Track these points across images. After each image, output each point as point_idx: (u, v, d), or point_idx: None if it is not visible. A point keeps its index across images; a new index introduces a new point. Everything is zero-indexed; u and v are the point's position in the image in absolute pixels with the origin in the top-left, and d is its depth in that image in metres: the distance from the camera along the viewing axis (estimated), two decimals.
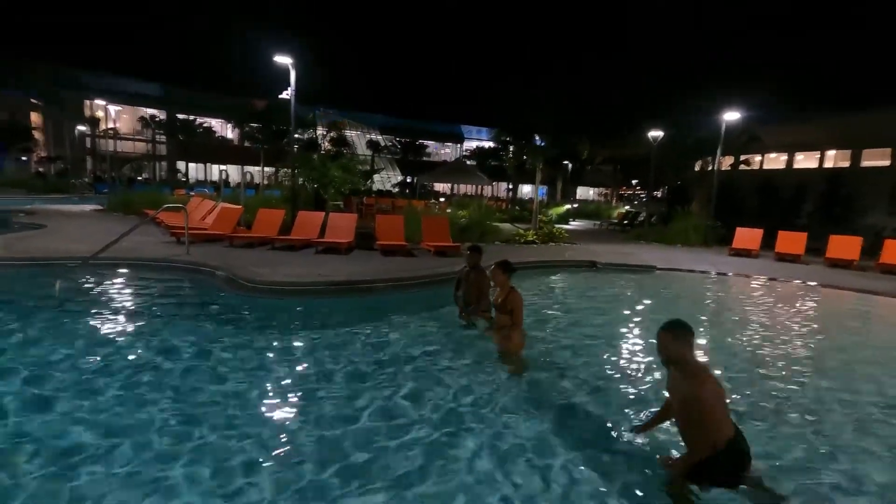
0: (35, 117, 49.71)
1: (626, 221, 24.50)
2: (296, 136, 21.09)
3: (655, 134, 20.99)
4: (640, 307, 7.91)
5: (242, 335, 5.17)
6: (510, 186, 40.14)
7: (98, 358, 4.36)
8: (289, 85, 13.09)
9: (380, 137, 52.96)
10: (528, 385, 4.31)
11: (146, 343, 4.81)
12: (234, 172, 49.32)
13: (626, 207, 34.88)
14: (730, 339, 6.19)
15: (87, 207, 18.68)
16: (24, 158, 49.03)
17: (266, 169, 33.42)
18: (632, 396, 4.24)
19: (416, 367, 4.55)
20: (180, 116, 47.52)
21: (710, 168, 22.85)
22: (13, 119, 42.99)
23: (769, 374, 4.93)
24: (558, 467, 3.04)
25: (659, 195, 33.77)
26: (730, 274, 10.97)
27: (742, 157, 27.09)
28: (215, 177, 47.77)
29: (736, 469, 2.67)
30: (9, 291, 6.47)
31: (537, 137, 22.14)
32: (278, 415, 3.60)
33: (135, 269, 7.95)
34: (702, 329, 6.63)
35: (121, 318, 5.68)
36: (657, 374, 4.57)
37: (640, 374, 4.74)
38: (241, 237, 10.78)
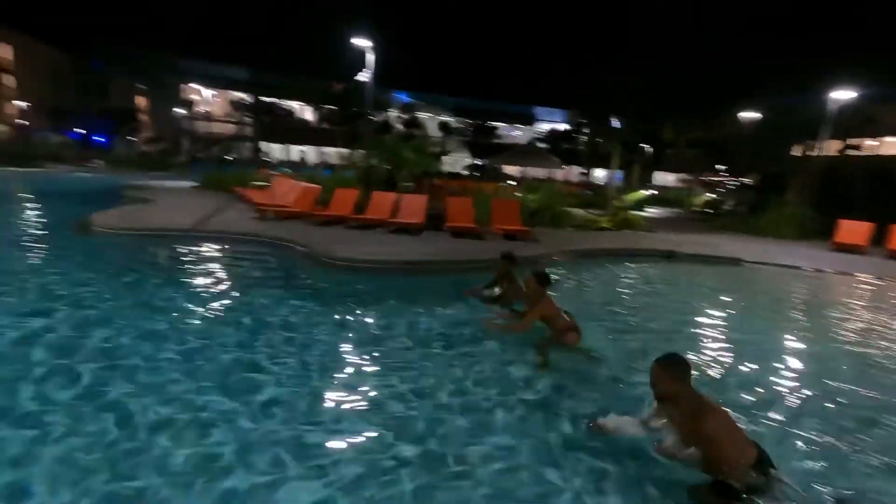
0: (141, 102, 54.84)
1: (709, 209, 22.91)
2: (370, 118, 21.66)
3: (749, 115, 19.27)
4: (721, 303, 7.35)
5: (318, 305, 5.51)
6: (584, 170, 38.80)
7: (195, 319, 4.85)
8: (365, 67, 13.43)
9: (451, 119, 53.04)
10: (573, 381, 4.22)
11: (235, 306, 5.28)
12: (311, 153, 51.67)
13: (710, 194, 32.56)
14: (825, 345, 5.66)
15: (185, 184, 20.44)
16: (131, 139, 54.44)
17: (342, 150, 34.67)
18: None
19: (486, 349, 4.61)
20: (265, 99, 50.32)
21: (813, 153, 20.67)
22: (124, 103, 47.55)
23: (876, 383, 4.48)
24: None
25: (748, 182, 31.17)
26: (829, 271, 9.97)
27: (852, 142, 24.23)
28: (295, 157, 50.29)
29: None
30: (125, 257, 7.32)
31: (615, 120, 21.15)
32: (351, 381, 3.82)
33: (227, 241, 8.64)
34: (795, 331, 6.13)
35: (216, 284, 6.26)
36: (733, 380, 4.31)
37: (717, 380, 4.47)
38: (319, 215, 11.34)
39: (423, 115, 48.75)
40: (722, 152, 34.45)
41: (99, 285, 5.74)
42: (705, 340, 5.55)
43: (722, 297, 7.68)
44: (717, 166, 47.28)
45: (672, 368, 2.62)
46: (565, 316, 4.67)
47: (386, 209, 11.42)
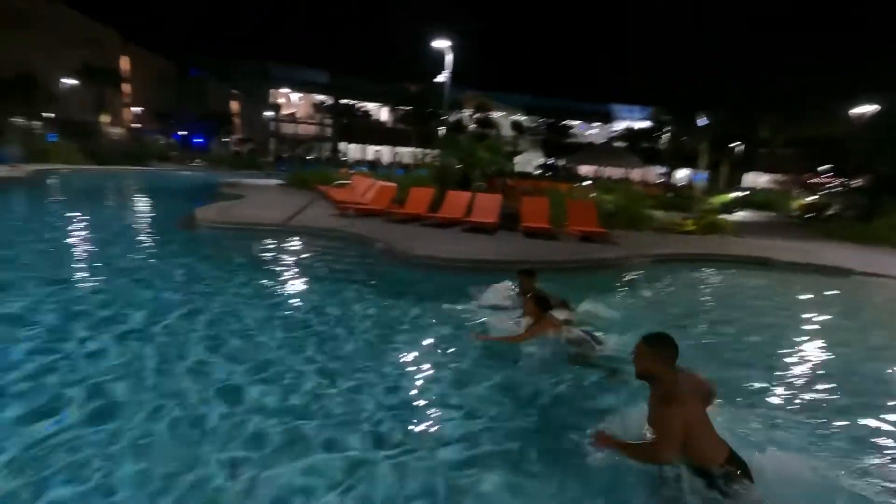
0: (234, 106, 59.39)
1: (811, 214, 20.83)
2: (445, 117, 21.95)
3: (864, 109, 17.28)
4: (823, 320, 6.50)
5: (394, 299, 5.68)
6: (665, 170, 36.78)
7: (284, 305, 5.19)
8: (444, 68, 13.63)
9: (524, 118, 52.44)
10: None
11: (318, 296, 5.59)
12: (386, 153, 53.26)
13: (813, 197, 29.55)
14: None
15: (272, 182, 21.88)
16: (225, 140, 59.15)
17: (416, 150, 35.45)
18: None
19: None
20: (343, 101, 52.65)
21: None
22: (220, 108, 51.74)
23: None
24: None
25: (857, 184, 27.94)
26: None
27: None
28: (370, 157, 52.11)
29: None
30: (222, 248, 8.00)
31: (702, 117, 19.80)
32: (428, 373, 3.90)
33: (311, 236, 9.16)
34: None
35: (302, 275, 6.67)
36: (839, 421, 3.63)
37: (815, 412, 4.00)
38: (395, 213, 11.68)
39: (496, 115, 48.63)
40: (827, 151, 31.13)
41: (204, 272, 6.31)
42: (803, 362, 5.02)
43: (826, 312, 6.89)
44: (819, 167, 42.86)
45: (656, 347, 2.55)
46: (578, 332, 4.41)
47: (460, 208, 11.52)
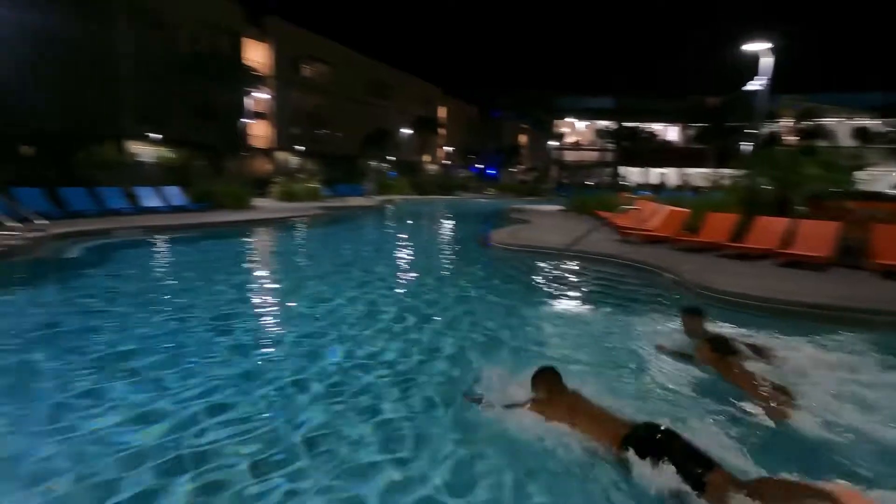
0: (522, 139, 65.23)
1: None
2: (753, 131, 18.71)
3: None
4: None
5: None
6: None
7: (568, 322, 5.26)
8: (757, 75, 11.67)
9: (871, 122, 40.04)
10: None
11: (601, 321, 5.45)
12: (672, 175, 49.02)
13: None
14: None
15: (553, 208, 22.95)
16: (512, 170, 65.43)
17: (711, 170, 31.41)
18: None
19: None
20: (626, 125, 51.21)
21: None
22: (510, 141, 57.69)
23: None
24: None
25: None
26: None
27: None
28: (653, 180, 48.89)
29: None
30: (513, 266, 8.78)
31: None
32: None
33: (593, 261, 9.13)
34: None
35: (581, 298, 6.67)
36: None
37: None
38: (686, 240, 10.53)
39: (829, 121, 38.69)
40: None
41: (495, 286, 7.06)
42: None
43: None
44: None
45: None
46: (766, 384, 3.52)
47: (773, 237, 9.52)
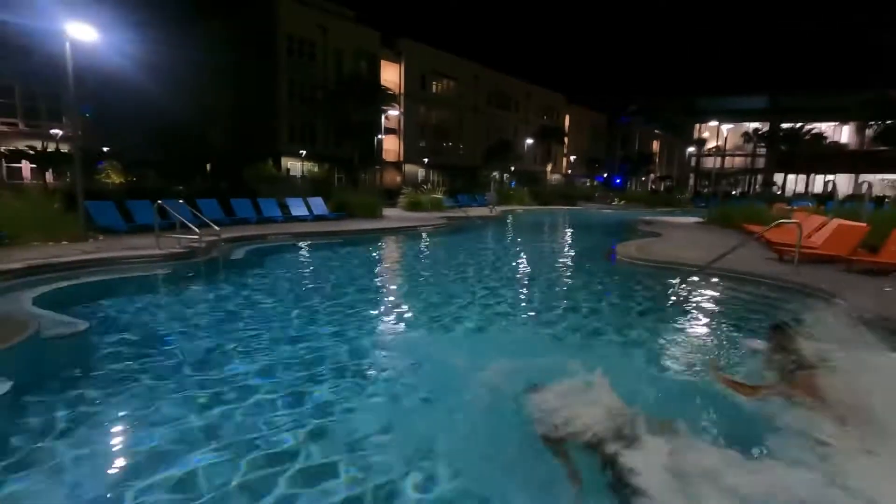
0: (655, 145, 60.77)
1: None
2: None
3: None
4: None
5: None
6: None
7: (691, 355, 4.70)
8: None
9: None
10: None
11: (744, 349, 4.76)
12: (843, 183, 41.82)
13: None
14: None
15: (689, 220, 20.94)
16: (643, 179, 61.24)
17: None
18: None
19: None
20: (784, 126, 44.86)
21: None
22: (642, 149, 54.17)
23: None
24: None
25: None
26: None
27: None
28: (817, 188, 42.13)
29: None
30: (642, 283, 8.16)
31: None
32: None
33: (738, 281, 8.09)
34: None
35: (725, 325, 5.92)
36: None
37: None
38: (861, 261, 8.84)
39: None
40: None
41: (617, 305, 6.61)
42: None
43: None
44: None
45: None
46: None
47: None
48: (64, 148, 25.96)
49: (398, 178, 42.97)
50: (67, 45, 9.91)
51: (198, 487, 2.66)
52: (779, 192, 42.23)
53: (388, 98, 35.55)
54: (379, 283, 8.76)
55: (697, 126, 53.63)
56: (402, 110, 42.11)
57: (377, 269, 10.49)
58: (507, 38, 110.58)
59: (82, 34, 9.95)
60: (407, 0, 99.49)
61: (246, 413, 3.48)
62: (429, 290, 7.62)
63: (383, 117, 36.98)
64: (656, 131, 62.37)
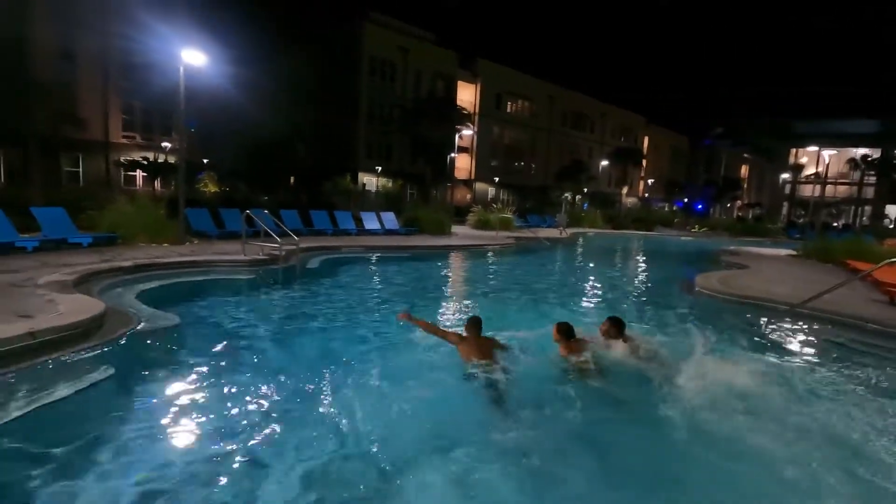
0: (743, 170, 56.75)
1: None
2: None
3: None
4: None
5: None
6: None
7: (807, 409, 4.22)
8: None
9: None
10: None
11: (860, 412, 4.21)
12: None
13: None
14: None
15: (780, 251, 19.20)
16: (728, 205, 57.24)
17: None
18: None
19: None
20: None
21: None
22: (729, 173, 50.84)
23: None
24: None
25: None
26: None
27: None
28: None
29: None
30: (725, 321, 7.55)
31: None
32: None
33: (840, 325, 7.27)
34: None
35: (826, 377, 5.30)
36: None
37: None
38: None
39: None
40: None
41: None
42: None
43: None
44: None
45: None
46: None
47: None
48: (171, 159, 28.87)
49: (468, 196, 43.37)
50: (181, 68, 11.09)
51: (276, 450, 3.18)
52: (892, 227, 37.67)
53: (462, 118, 36.22)
54: (440, 299, 8.82)
55: (794, 151, 49.39)
56: (475, 129, 42.66)
57: (441, 286, 10.59)
58: (587, 58, 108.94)
59: (194, 59, 11.11)
60: (487, 21, 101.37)
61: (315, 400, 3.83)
62: (488, 312, 7.56)
63: (457, 136, 37.65)
64: (745, 155, 58.22)
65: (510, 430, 3.52)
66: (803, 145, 45.07)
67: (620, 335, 5.07)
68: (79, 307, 5.10)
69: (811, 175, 46.26)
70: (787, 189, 49.71)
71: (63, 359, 4.21)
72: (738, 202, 56.50)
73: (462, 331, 4.88)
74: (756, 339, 6.76)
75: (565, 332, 4.92)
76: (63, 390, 3.68)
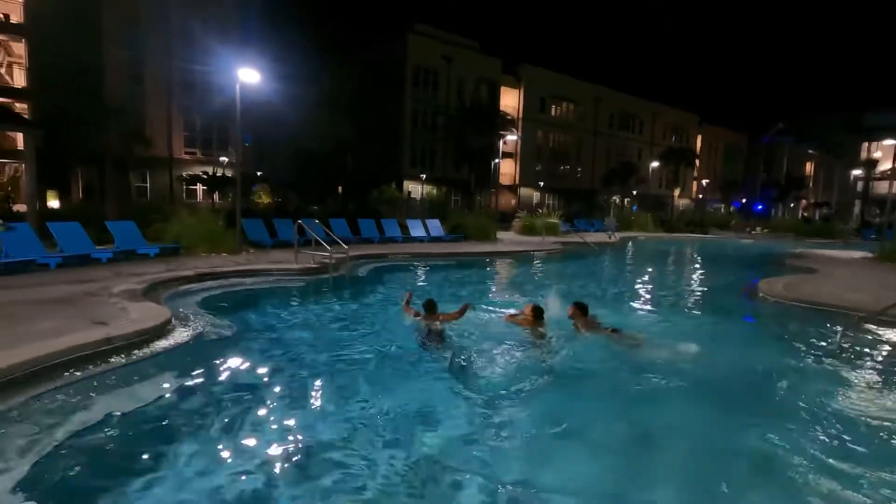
0: (808, 168, 53.17)
1: None
2: None
3: None
4: None
5: None
6: None
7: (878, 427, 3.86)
8: None
9: None
10: None
11: None
12: None
13: None
14: None
15: (854, 254, 17.80)
16: (792, 205, 53.78)
17: None
18: None
19: None
20: None
21: None
22: (792, 171, 47.77)
23: None
24: None
25: None
26: None
27: None
28: None
29: None
30: (784, 329, 7.07)
31: None
32: None
33: None
34: None
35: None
36: None
37: None
38: None
39: None
40: None
41: (764, 357, 5.78)
42: None
43: None
44: None
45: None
46: None
47: None
48: (228, 172, 30.44)
49: (513, 202, 43.02)
50: (237, 86, 11.69)
51: (324, 444, 3.37)
52: None
53: (506, 123, 36.06)
54: (490, 304, 8.74)
55: (866, 145, 45.77)
56: (519, 134, 42.39)
57: (487, 292, 10.51)
58: (636, 58, 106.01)
59: (249, 77, 11.68)
60: (531, 26, 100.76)
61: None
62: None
63: (501, 142, 37.56)
64: (810, 151, 54.56)
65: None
66: (878, 138, 41.62)
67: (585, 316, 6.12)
68: (148, 314, 5.44)
69: (888, 171, 42.60)
70: (860, 186, 46.04)
71: (135, 362, 4.49)
72: (803, 202, 52.99)
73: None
74: (830, 349, 6.26)
75: (584, 309, 6.16)
76: (138, 392, 3.93)
